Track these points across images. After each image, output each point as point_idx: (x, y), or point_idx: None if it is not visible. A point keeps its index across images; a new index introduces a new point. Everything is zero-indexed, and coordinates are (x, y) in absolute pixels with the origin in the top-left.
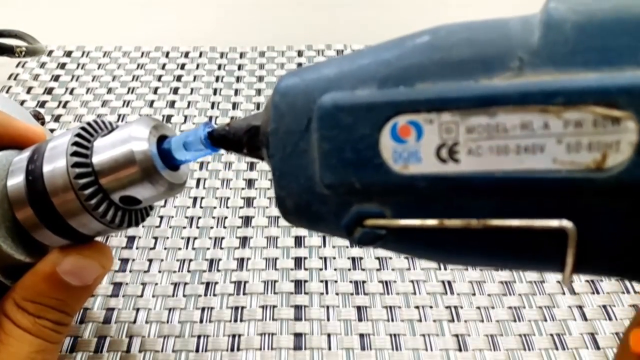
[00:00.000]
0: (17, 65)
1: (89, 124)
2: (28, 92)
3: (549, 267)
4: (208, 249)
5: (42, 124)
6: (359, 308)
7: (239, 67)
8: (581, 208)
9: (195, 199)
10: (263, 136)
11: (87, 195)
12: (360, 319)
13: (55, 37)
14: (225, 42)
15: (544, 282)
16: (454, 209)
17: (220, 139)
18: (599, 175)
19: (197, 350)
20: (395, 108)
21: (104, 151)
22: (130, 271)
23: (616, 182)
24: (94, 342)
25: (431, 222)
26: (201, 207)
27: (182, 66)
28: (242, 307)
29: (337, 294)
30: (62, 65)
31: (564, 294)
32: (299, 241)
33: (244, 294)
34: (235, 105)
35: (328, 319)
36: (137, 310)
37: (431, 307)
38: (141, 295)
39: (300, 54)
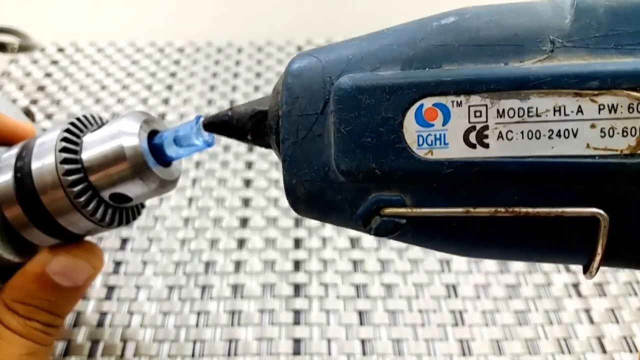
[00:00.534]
0: (9, 62)
1: (78, 119)
2: (20, 89)
3: (576, 258)
4: (204, 251)
5: (33, 120)
6: (360, 312)
7: (237, 63)
8: (613, 196)
9: (191, 199)
10: (272, 120)
11: (77, 192)
12: (361, 324)
13: (47, 33)
14: (222, 37)
15: (549, 285)
16: (481, 196)
17: (221, 125)
18: (633, 161)
19: (192, 355)
20: (422, 90)
21: (93, 147)
22: (125, 274)
23: None
24: (88, 347)
25: (456, 210)
26: (197, 207)
27: (177, 62)
28: (240, 311)
29: (337, 297)
30: (55, 62)
31: (570, 297)
32: (298, 243)
33: (242, 297)
34: (232, 102)
35: (328, 324)
36: (132, 314)
37: (435, 311)
38: (135, 299)
39: (299, 49)
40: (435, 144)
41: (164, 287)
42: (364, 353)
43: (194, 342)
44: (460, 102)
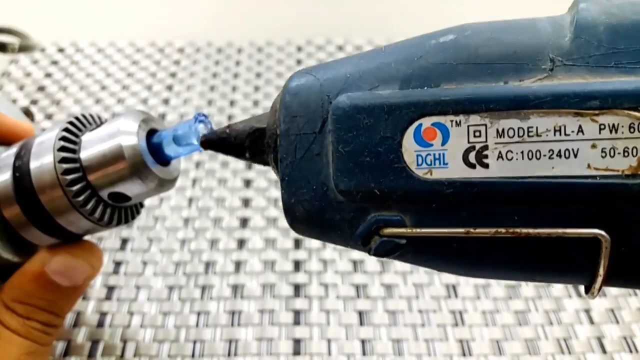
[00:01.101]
0: (9, 62)
1: (77, 118)
2: (20, 89)
3: (578, 278)
4: (204, 251)
5: (32, 120)
6: (360, 312)
7: (237, 63)
8: (615, 216)
9: (191, 199)
10: (270, 139)
11: (75, 191)
12: (361, 324)
13: (47, 33)
14: (222, 37)
15: (549, 285)
16: (481, 217)
17: (219, 143)
18: (634, 182)
19: (192, 356)
20: (420, 109)
21: (92, 146)
22: (125, 274)
23: None
24: (88, 347)
25: (457, 230)
26: (197, 207)
27: (177, 62)
28: (240, 311)
29: (337, 297)
30: (55, 62)
31: (570, 297)
32: (298, 243)
33: (242, 297)
34: (232, 103)
35: (328, 324)
36: (132, 314)
37: (435, 311)
38: (135, 299)
39: (299, 49)
40: (435, 164)
41: (164, 287)
42: (364, 353)
43: (194, 342)
44: (459, 121)
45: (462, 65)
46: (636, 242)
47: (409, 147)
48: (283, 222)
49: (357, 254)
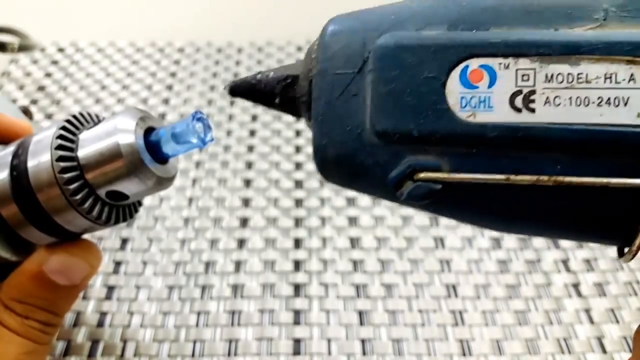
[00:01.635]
0: (9, 62)
1: (74, 116)
2: (20, 89)
3: (613, 235)
4: (204, 251)
5: (30, 118)
6: (360, 312)
7: (237, 63)
8: None
9: (191, 199)
10: (303, 81)
11: (73, 190)
12: (361, 324)
13: (47, 33)
14: (222, 37)
15: (549, 285)
16: (523, 163)
17: (248, 89)
18: None
19: (192, 355)
20: (469, 50)
21: (89, 144)
22: (125, 274)
23: None
24: (87, 347)
25: (496, 177)
26: (197, 207)
27: (177, 62)
28: (240, 311)
29: (337, 297)
30: (55, 62)
31: (570, 297)
32: (298, 243)
33: (242, 297)
34: (232, 103)
35: (328, 324)
36: (132, 314)
37: (435, 311)
38: (135, 299)
39: (299, 49)
40: (479, 107)
41: (164, 287)
42: (364, 353)
43: (194, 342)
44: (508, 64)
45: (512, 11)
46: None
47: (454, 89)
48: (283, 222)
49: (357, 254)
